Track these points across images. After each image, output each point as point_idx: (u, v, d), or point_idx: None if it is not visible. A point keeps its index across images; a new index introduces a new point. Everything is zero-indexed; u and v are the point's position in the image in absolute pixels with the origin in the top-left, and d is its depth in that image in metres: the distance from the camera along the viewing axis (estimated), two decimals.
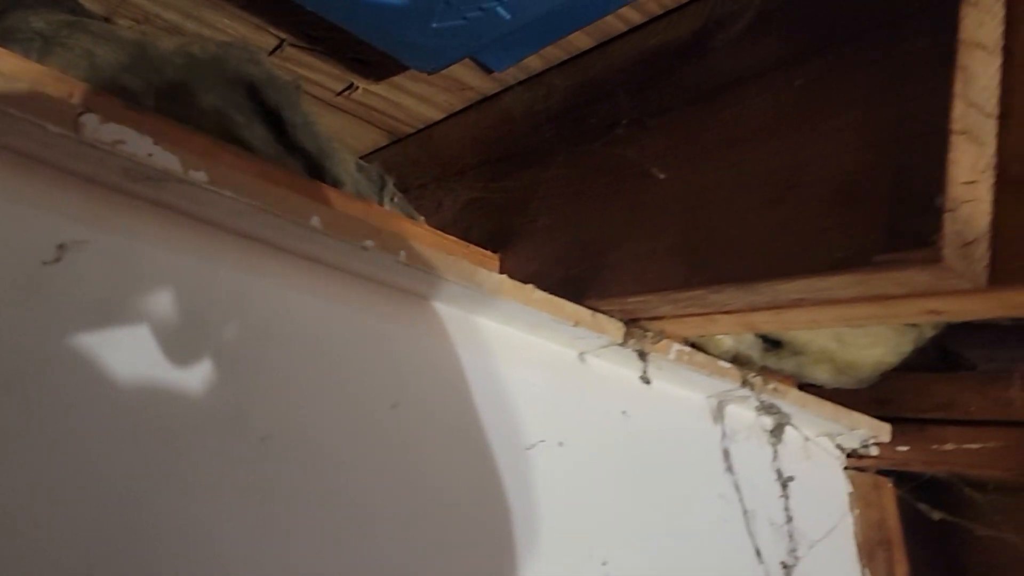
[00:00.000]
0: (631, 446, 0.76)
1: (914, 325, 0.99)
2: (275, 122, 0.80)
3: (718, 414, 0.86)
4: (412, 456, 0.60)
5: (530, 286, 0.64)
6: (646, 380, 0.72)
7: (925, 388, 0.93)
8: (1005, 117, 0.50)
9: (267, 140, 0.79)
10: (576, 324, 0.67)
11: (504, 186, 0.82)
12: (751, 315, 0.62)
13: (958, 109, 0.47)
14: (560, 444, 0.70)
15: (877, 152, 0.50)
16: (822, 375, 0.98)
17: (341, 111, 1.04)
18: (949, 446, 0.89)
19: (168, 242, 0.52)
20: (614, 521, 0.71)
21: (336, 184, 0.77)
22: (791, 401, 0.85)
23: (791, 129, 0.56)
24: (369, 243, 0.56)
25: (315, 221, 0.54)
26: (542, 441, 0.69)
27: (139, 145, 0.47)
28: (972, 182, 0.47)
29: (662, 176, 0.64)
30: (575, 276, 0.69)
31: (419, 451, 0.60)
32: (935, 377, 0.94)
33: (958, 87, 0.47)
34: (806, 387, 1.01)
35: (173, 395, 0.50)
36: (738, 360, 0.91)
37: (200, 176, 0.49)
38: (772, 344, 0.98)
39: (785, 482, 0.82)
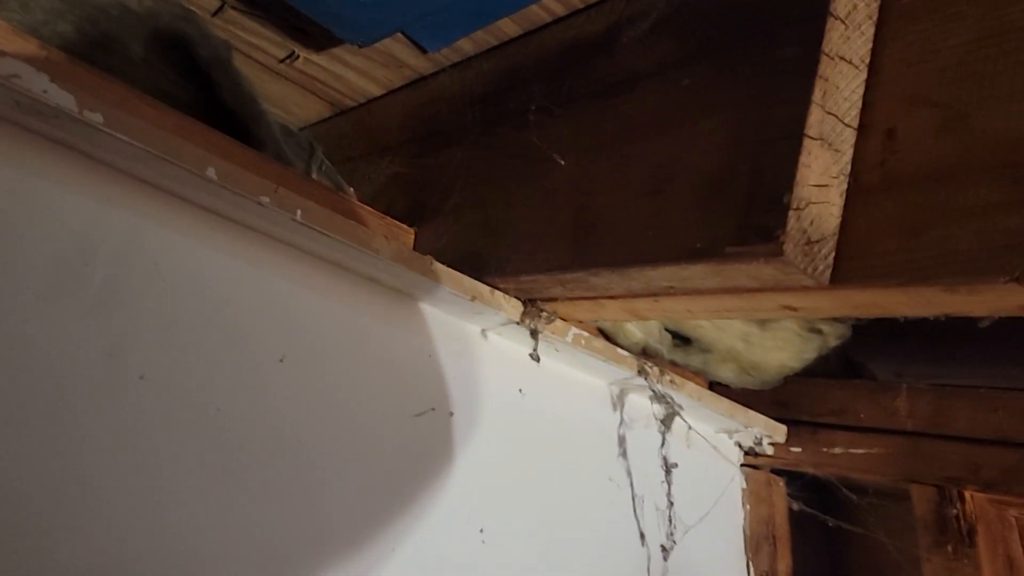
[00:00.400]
0: (524, 422, 0.78)
1: (818, 333, 1.03)
2: (205, 81, 0.82)
3: (618, 401, 0.89)
4: (294, 410, 0.62)
5: (429, 257, 0.67)
6: (536, 358, 0.75)
7: (822, 393, 0.97)
8: (865, 128, 0.53)
9: (194, 97, 0.81)
10: (473, 299, 0.70)
11: (426, 164, 0.84)
12: (633, 301, 0.65)
13: (815, 116, 0.50)
14: (451, 414, 0.73)
15: (742, 152, 0.53)
16: (727, 374, 1.01)
17: (285, 79, 1.06)
18: (838, 450, 0.93)
19: (62, 177, 0.54)
20: (497, 491, 0.74)
21: (258, 146, 0.79)
22: (687, 394, 0.88)
23: (675, 126, 0.59)
24: (265, 199, 0.58)
25: (211, 172, 0.56)
26: (432, 409, 0.71)
27: (34, 81, 0.49)
28: (823, 186, 0.51)
29: (562, 163, 0.67)
30: (477, 253, 0.72)
31: (302, 406, 0.63)
32: (833, 383, 0.97)
33: (817, 95, 0.50)
34: (715, 387, 1.05)
35: (54, 327, 0.52)
36: (647, 353, 0.94)
37: (95, 117, 0.51)
38: (682, 340, 1.02)
39: (669, 468, 0.86)
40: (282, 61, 1.00)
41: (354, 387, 0.66)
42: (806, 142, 0.50)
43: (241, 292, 0.61)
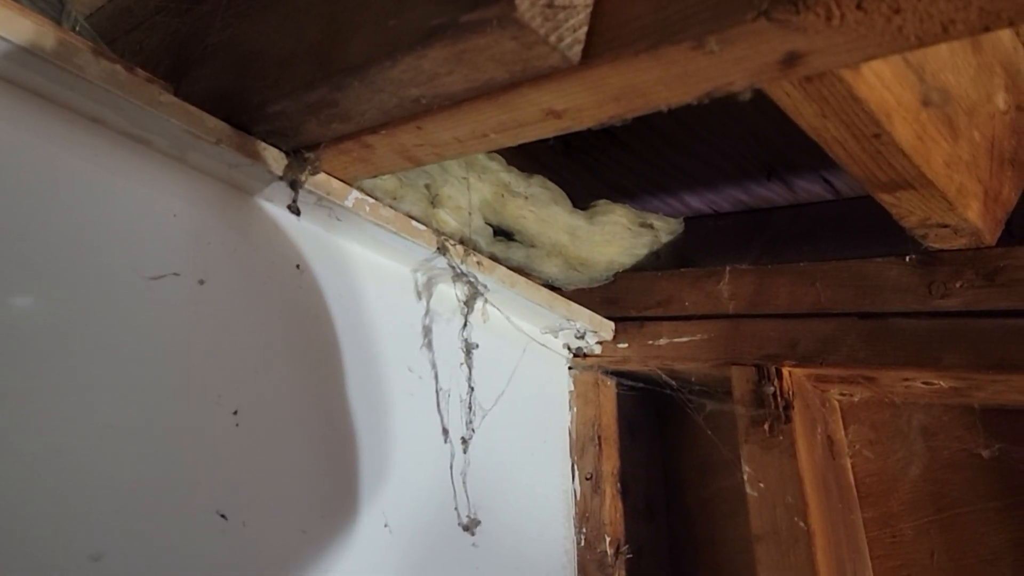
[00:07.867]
0: (300, 301, 0.69)
1: (649, 227, 0.98)
2: None
3: (425, 291, 0.81)
4: None
5: (155, 86, 0.56)
6: (295, 210, 0.65)
7: (649, 286, 0.92)
8: None
9: None
10: (218, 142, 0.60)
11: (192, 13, 0.73)
12: (398, 134, 0.56)
13: None
14: (200, 282, 0.62)
15: None
16: (552, 270, 0.95)
17: None
18: (663, 341, 0.88)
19: None
20: (258, 371, 0.64)
21: None
22: (498, 278, 0.81)
23: None
24: None
25: None
26: (175, 274, 0.61)
27: None
28: None
29: None
30: (229, 94, 0.62)
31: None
32: (660, 275, 0.92)
33: None
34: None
35: None
36: (465, 245, 0.86)
37: None
38: (503, 234, 0.94)
39: (469, 350, 0.78)
40: None
41: (59, 234, 0.55)
42: None
43: None
